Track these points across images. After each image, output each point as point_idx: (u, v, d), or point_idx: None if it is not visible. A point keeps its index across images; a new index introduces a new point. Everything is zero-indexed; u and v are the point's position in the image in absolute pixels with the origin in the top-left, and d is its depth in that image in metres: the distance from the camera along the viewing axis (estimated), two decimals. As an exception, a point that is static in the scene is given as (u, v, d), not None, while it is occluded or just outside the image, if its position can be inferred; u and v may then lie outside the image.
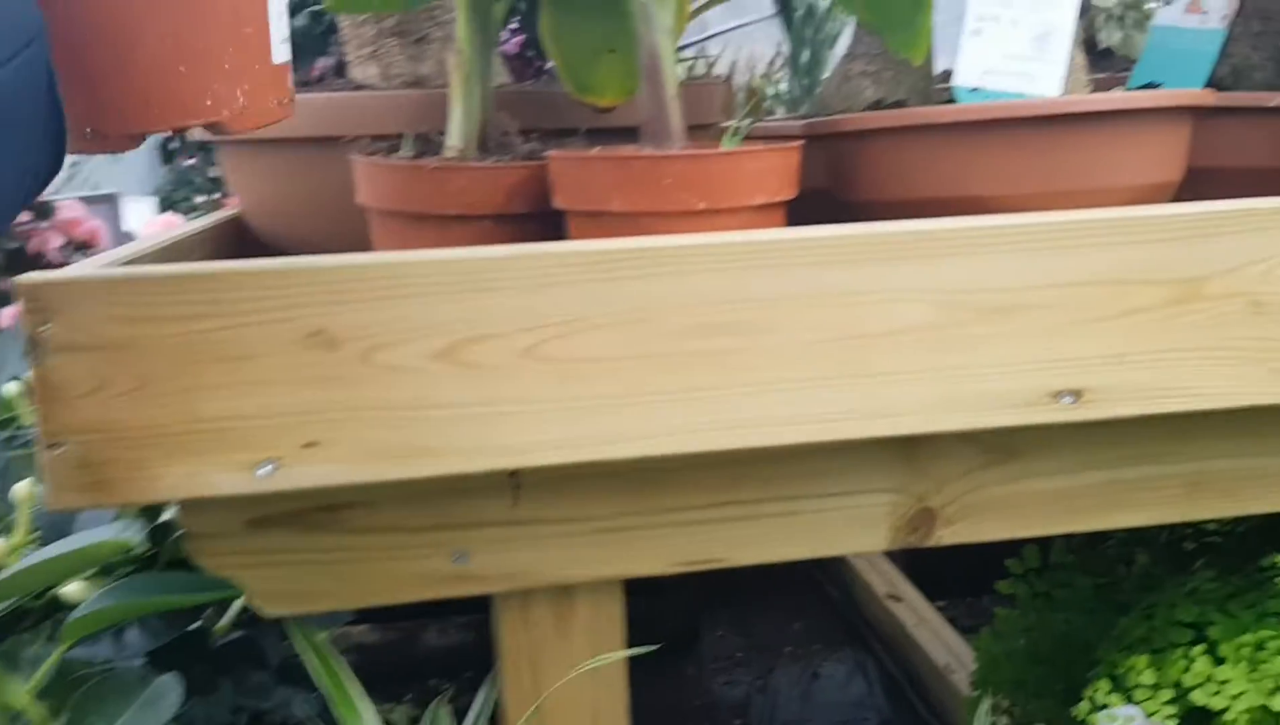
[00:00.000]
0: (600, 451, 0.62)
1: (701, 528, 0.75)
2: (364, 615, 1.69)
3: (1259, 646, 0.74)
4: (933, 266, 0.65)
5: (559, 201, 0.70)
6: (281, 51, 0.60)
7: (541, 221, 0.74)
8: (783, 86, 1.89)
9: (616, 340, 0.60)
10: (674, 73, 0.68)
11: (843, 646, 1.63)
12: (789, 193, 0.70)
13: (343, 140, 0.86)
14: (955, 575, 1.75)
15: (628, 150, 0.67)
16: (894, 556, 1.78)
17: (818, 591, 1.81)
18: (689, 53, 2.11)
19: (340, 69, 1.08)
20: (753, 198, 0.66)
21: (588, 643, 0.77)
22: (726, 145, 0.72)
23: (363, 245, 0.80)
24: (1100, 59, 1.53)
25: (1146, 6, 1.58)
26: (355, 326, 0.60)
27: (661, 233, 0.63)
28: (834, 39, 1.68)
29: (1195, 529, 1.08)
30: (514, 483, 0.70)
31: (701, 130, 0.89)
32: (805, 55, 1.70)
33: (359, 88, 0.96)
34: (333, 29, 1.18)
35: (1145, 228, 0.67)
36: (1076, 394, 0.68)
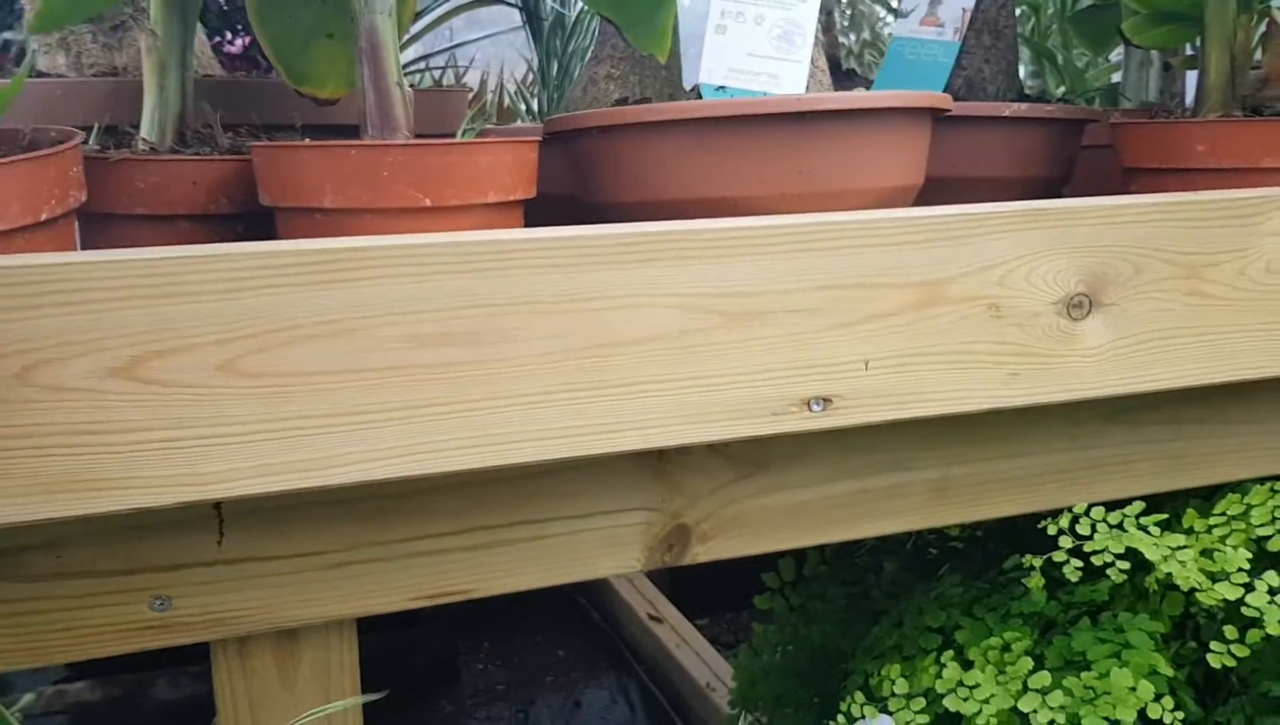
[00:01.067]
0: (310, 478, 0.54)
1: (442, 558, 0.69)
2: (80, 670, 1.52)
3: (1005, 648, 0.75)
4: (680, 270, 0.61)
5: (265, 198, 0.62)
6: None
7: (250, 222, 0.66)
8: (536, 104, 1.85)
9: (326, 352, 0.53)
10: (396, 58, 0.62)
11: (605, 671, 1.59)
12: (526, 191, 0.65)
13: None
14: (716, 592, 1.75)
15: (343, 141, 0.60)
16: (655, 576, 1.76)
17: (580, 615, 1.76)
18: (439, 61, 2.04)
19: (23, 58, 0.95)
20: (485, 195, 0.60)
21: (317, 690, 0.70)
22: (464, 137, 0.66)
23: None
24: (844, 79, 1.57)
25: (886, 32, 1.63)
26: (10, 340, 0.50)
27: (381, 232, 0.57)
28: (584, 51, 1.65)
29: (939, 534, 1.10)
30: (218, 517, 0.61)
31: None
32: (555, 68, 1.67)
33: (42, 76, 0.84)
34: (16, 14, 1.04)
35: (890, 230, 0.66)
36: (826, 401, 0.66)
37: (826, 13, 1.52)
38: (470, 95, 1.84)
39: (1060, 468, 0.83)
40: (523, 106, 1.89)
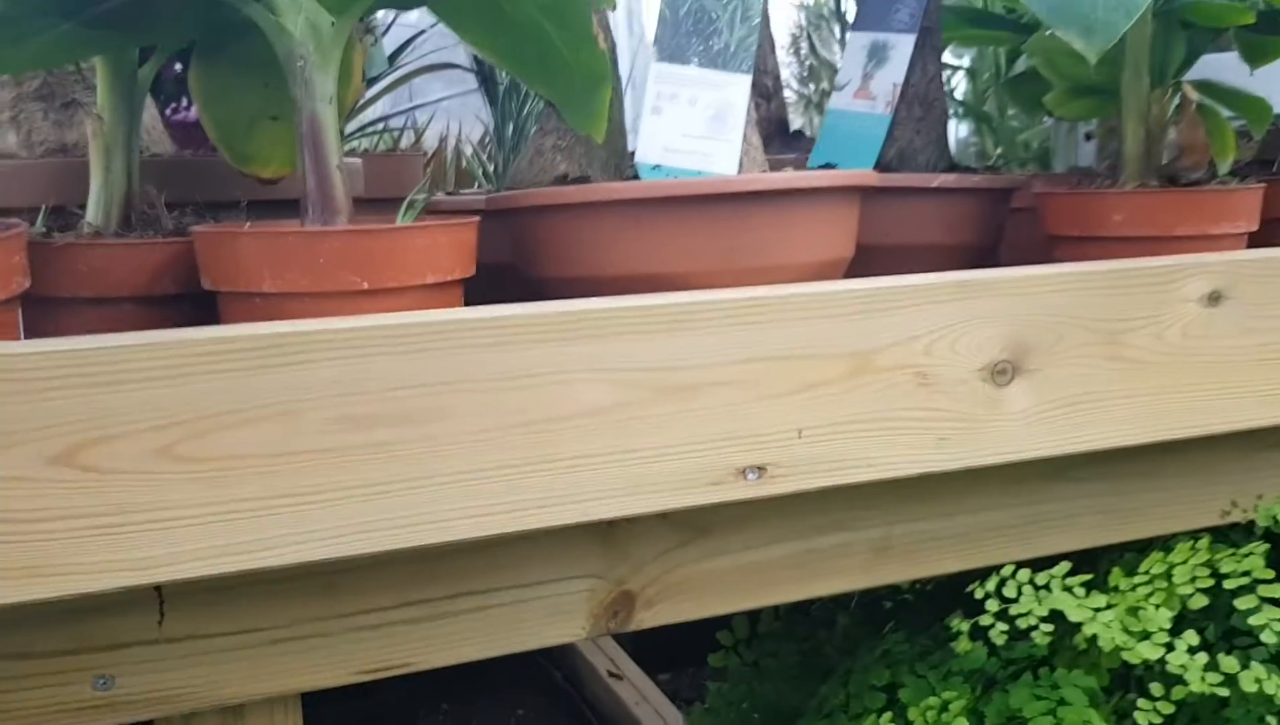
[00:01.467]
0: (250, 561, 0.55)
1: (385, 631, 0.70)
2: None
3: (943, 709, 0.76)
4: (614, 346, 0.63)
5: (207, 282, 0.64)
6: None
7: (194, 303, 0.68)
8: (493, 167, 1.87)
9: (265, 436, 0.54)
10: (337, 142, 0.63)
11: (565, 730, 1.59)
12: (465, 271, 0.67)
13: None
14: (678, 647, 1.75)
15: (281, 226, 0.62)
16: (617, 633, 1.76)
17: (542, 674, 1.76)
18: (401, 120, 2.06)
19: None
20: (423, 276, 0.62)
21: (263, 766, 0.70)
22: (402, 220, 0.68)
23: None
24: (792, 140, 1.61)
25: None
26: (-52, 430, 0.51)
27: (321, 315, 0.58)
28: (539, 115, 1.68)
29: (890, 589, 1.12)
30: (159, 597, 0.62)
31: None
32: (510, 130, 1.69)
33: (-8, 155, 0.86)
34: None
35: (820, 303, 0.68)
36: (760, 470, 0.67)
37: (774, 76, 1.56)
38: (427, 158, 1.86)
39: (1000, 524, 0.85)
40: (480, 169, 1.91)
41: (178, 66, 1.36)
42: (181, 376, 0.53)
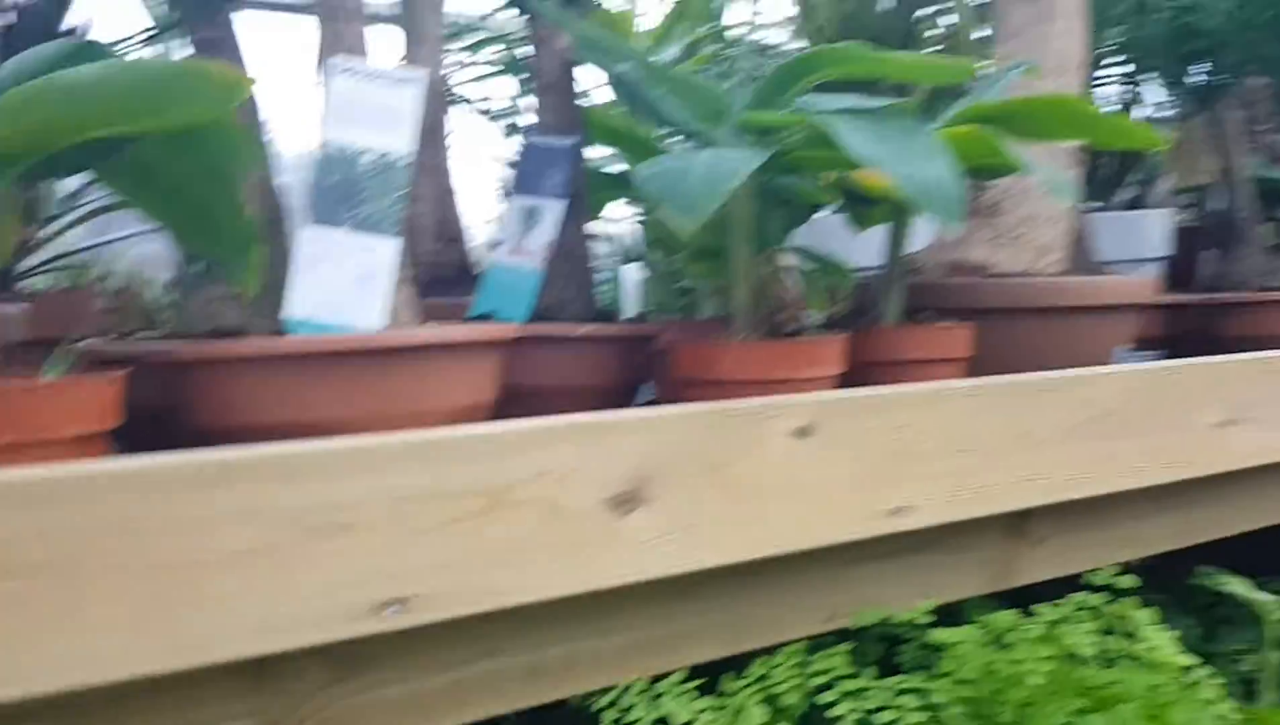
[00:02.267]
0: None
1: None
2: None
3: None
4: (255, 490, 0.67)
5: None
6: None
7: None
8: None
9: (-120, 592, 0.55)
10: (-23, 302, 0.66)
11: None
12: (109, 423, 0.70)
13: None
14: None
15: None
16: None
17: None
18: (86, 257, 2.01)
19: None
20: (64, 430, 0.65)
21: None
22: (50, 372, 0.70)
23: None
24: (470, 282, 1.70)
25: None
26: None
27: (-47, 471, 0.59)
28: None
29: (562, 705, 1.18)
30: None
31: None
32: (203, 266, 1.70)
33: None
34: None
35: (457, 446, 0.75)
36: (402, 603, 0.73)
37: (457, 224, 1.66)
38: (118, 295, 1.83)
39: (643, 642, 0.94)
40: (163, 310, 1.90)
41: None
42: None
